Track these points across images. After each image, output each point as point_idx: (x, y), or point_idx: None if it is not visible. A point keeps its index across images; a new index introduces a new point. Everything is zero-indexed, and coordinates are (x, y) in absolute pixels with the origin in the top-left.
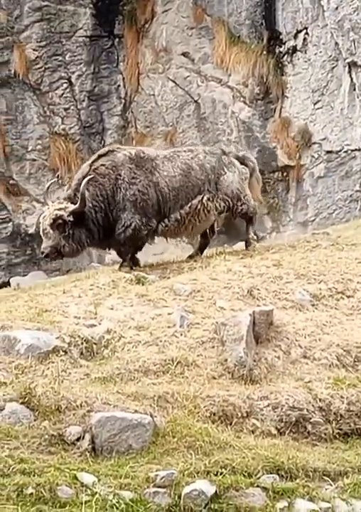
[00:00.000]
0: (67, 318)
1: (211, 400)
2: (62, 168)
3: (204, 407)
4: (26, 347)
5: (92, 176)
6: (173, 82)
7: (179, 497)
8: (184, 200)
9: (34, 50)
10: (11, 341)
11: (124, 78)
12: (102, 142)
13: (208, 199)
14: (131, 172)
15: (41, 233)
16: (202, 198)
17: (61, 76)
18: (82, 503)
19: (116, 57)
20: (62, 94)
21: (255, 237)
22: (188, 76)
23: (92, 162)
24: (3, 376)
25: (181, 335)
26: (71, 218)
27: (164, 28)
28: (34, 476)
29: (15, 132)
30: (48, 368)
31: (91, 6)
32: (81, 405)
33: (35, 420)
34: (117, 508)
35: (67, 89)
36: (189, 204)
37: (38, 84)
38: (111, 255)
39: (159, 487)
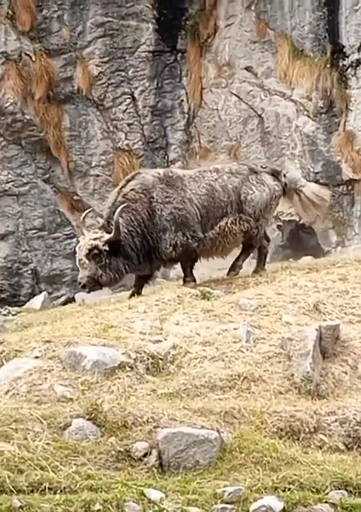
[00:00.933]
0: (132, 333)
1: (278, 416)
2: None
3: (271, 422)
4: (92, 363)
5: (125, 204)
6: (236, 96)
7: None
8: (213, 219)
9: (97, 65)
10: (77, 357)
11: (187, 93)
12: (166, 157)
13: (232, 222)
14: (163, 192)
15: (78, 264)
16: (227, 221)
17: (124, 91)
18: None
19: (179, 72)
20: (126, 109)
21: (241, 268)
22: (251, 90)
23: (121, 188)
24: (70, 392)
25: (247, 350)
26: (106, 247)
27: (227, 43)
28: (101, 492)
29: (78, 148)
30: (114, 384)
31: (153, 21)
32: (147, 421)
33: (101, 436)
34: None
35: (131, 105)
36: (218, 225)
37: (101, 99)
38: (176, 270)
39: (227, 503)
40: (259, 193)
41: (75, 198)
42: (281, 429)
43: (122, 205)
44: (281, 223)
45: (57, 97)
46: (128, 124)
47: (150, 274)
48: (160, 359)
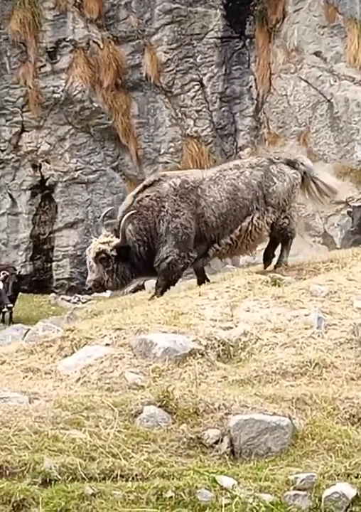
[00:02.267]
0: (203, 320)
1: (350, 402)
2: None
3: (343, 408)
4: (163, 350)
5: (134, 210)
6: (305, 81)
7: (319, 500)
8: (233, 224)
9: (165, 52)
10: (148, 345)
11: (255, 79)
12: (235, 144)
13: (258, 218)
14: (175, 204)
15: (87, 266)
16: (252, 218)
17: (192, 78)
18: (221, 507)
19: (247, 58)
20: (194, 96)
21: (287, 264)
22: (320, 75)
23: (137, 193)
24: (141, 379)
25: (318, 336)
26: (114, 253)
27: (296, 28)
28: (173, 479)
29: (147, 135)
30: (185, 371)
31: (221, 7)
32: (219, 408)
33: (173, 423)
34: (257, 511)
35: (199, 91)
36: (239, 227)
37: (169, 86)
38: (246, 257)
39: (299, 490)
40: (280, 183)
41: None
42: (354, 416)
43: (130, 212)
44: (350, 209)
45: (126, 85)
46: (197, 111)
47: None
48: (231, 346)
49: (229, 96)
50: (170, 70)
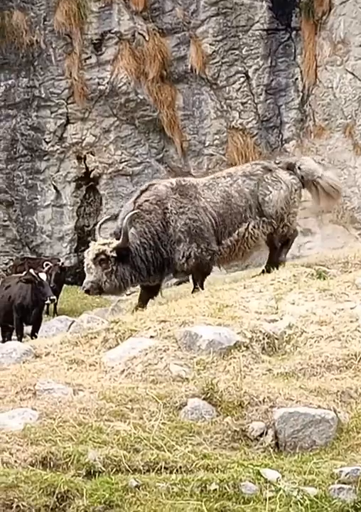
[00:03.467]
0: (248, 313)
1: None
2: (240, 163)
3: None
4: (208, 342)
5: (136, 211)
6: (352, 74)
7: None
8: (231, 226)
9: (210, 44)
10: (193, 337)
11: (301, 71)
12: (280, 136)
13: (254, 226)
14: (177, 202)
15: (85, 269)
16: (248, 225)
17: (238, 70)
18: (266, 500)
19: (293, 50)
20: (239, 88)
21: (285, 260)
22: None
23: (136, 199)
24: (185, 372)
25: None
26: (114, 254)
27: (342, 20)
28: (217, 471)
29: (192, 127)
30: (230, 364)
31: None
32: (263, 401)
33: (217, 416)
34: (301, 505)
35: (244, 84)
36: (236, 231)
37: (214, 78)
38: (290, 250)
39: (344, 483)
40: (276, 192)
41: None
42: None
43: (132, 213)
44: None
45: (171, 77)
46: (242, 103)
47: (159, 285)
48: (276, 339)
49: (274, 88)
50: (215, 62)
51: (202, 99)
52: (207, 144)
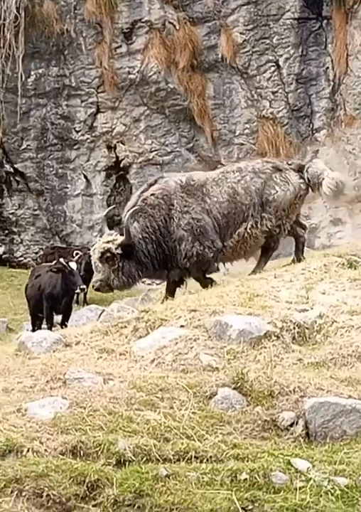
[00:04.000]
0: (278, 302)
1: None
2: (270, 152)
3: None
4: (238, 332)
5: (137, 207)
6: None
7: None
8: (233, 227)
9: (241, 33)
10: (223, 326)
11: (332, 60)
12: (311, 125)
13: (252, 226)
14: (183, 200)
15: (93, 267)
16: (247, 226)
17: (268, 59)
18: (296, 489)
19: (324, 40)
20: (270, 77)
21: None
22: None
23: (142, 192)
24: (216, 361)
25: None
26: (119, 251)
27: None
28: (247, 461)
29: (223, 117)
30: (260, 353)
31: None
32: (294, 390)
33: (247, 406)
34: (332, 495)
35: (275, 73)
36: (236, 232)
37: (245, 68)
38: (320, 239)
39: None
40: (282, 192)
41: (219, 166)
42: None
43: (133, 209)
44: None
45: (201, 66)
46: (273, 92)
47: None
48: (307, 328)
49: (305, 77)
50: (246, 51)
51: (233, 88)
52: (237, 133)
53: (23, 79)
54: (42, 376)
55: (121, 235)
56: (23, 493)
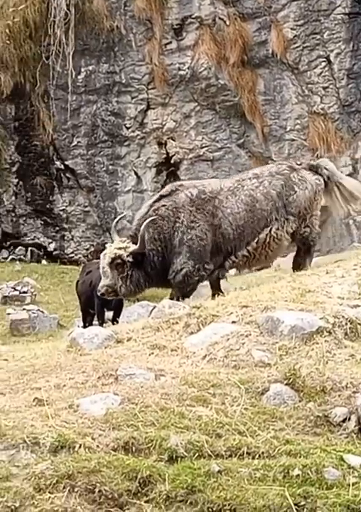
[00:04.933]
0: (330, 298)
1: None
2: (322, 148)
3: None
4: (290, 328)
5: (153, 217)
6: None
7: None
8: (250, 236)
9: (292, 29)
10: (275, 322)
11: None
12: None
13: (277, 229)
14: (190, 215)
15: (101, 271)
16: (270, 229)
17: (319, 55)
18: (349, 485)
19: None
20: (321, 73)
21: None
22: None
23: (154, 202)
24: (267, 357)
25: None
26: (130, 259)
27: None
28: (300, 457)
29: (273, 112)
30: (312, 349)
31: None
32: (346, 386)
33: (299, 401)
34: None
35: (326, 68)
36: (256, 239)
37: (296, 63)
38: None
39: None
40: (301, 191)
41: (270, 162)
42: None
43: (150, 219)
44: None
45: (252, 62)
46: (324, 88)
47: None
48: (359, 324)
49: (356, 72)
50: (296, 47)
51: (283, 84)
52: (288, 129)
53: (74, 76)
54: (93, 372)
55: (134, 243)
56: (75, 489)
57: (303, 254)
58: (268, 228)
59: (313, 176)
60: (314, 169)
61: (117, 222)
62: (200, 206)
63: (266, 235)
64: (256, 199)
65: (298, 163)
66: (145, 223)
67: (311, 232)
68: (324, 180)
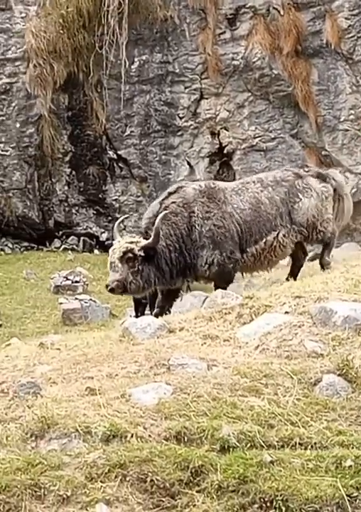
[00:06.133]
0: None
1: None
2: None
3: None
4: (343, 318)
5: (165, 212)
6: None
7: None
8: (258, 234)
9: (346, 18)
10: (328, 313)
11: None
12: None
13: (284, 235)
14: (204, 206)
15: (109, 267)
16: (278, 234)
17: None
18: None
19: None
20: None
21: (330, 262)
22: None
23: (163, 200)
24: (320, 348)
25: None
26: (142, 253)
27: None
28: (352, 448)
29: (327, 102)
30: None
31: None
32: None
33: (352, 392)
34: None
35: None
36: (264, 240)
37: (350, 53)
38: None
39: None
40: (307, 199)
41: (324, 153)
42: None
43: (165, 212)
44: None
45: (306, 51)
46: None
47: (179, 288)
48: None
49: None
50: (351, 37)
51: (338, 74)
52: (342, 119)
53: (127, 65)
54: (146, 362)
55: (145, 238)
56: (127, 478)
57: (323, 248)
58: (276, 233)
59: (319, 184)
60: (322, 178)
61: (120, 223)
62: (211, 196)
63: (274, 238)
64: (261, 201)
65: (305, 170)
66: (160, 216)
67: (325, 233)
68: (332, 187)
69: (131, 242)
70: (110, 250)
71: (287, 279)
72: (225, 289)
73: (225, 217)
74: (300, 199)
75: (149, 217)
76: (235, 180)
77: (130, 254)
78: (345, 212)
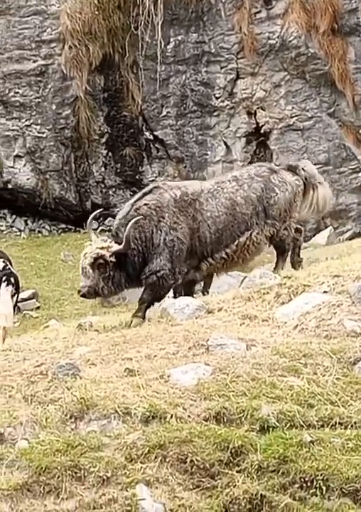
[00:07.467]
0: None
1: None
2: None
3: None
4: None
5: (137, 218)
6: None
7: None
8: (229, 239)
9: None
10: None
11: None
12: None
13: (257, 233)
14: (174, 216)
15: (80, 271)
16: (251, 233)
17: None
18: None
19: None
20: None
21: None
22: None
23: (135, 201)
24: (359, 327)
25: None
26: (113, 259)
27: None
28: None
29: None
30: None
31: None
32: None
33: None
34: None
35: None
36: (236, 242)
37: None
38: None
39: None
40: (282, 193)
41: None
42: None
43: (136, 219)
44: None
45: (342, 30)
46: None
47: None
48: None
49: None
50: None
51: None
52: None
53: (163, 46)
54: (184, 342)
55: (117, 242)
56: (167, 459)
57: (277, 258)
58: (249, 232)
59: (292, 177)
60: (293, 170)
61: (92, 219)
62: (183, 208)
63: (247, 238)
64: (237, 203)
65: (277, 164)
66: (131, 223)
67: (288, 235)
68: (302, 180)
69: (103, 248)
70: (81, 254)
71: (292, 265)
72: (152, 304)
73: (189, 232)
74: (277, 194)
75: (120, 219)
76: (217, 176)
77: (101, 261)
78: (321, 200)
